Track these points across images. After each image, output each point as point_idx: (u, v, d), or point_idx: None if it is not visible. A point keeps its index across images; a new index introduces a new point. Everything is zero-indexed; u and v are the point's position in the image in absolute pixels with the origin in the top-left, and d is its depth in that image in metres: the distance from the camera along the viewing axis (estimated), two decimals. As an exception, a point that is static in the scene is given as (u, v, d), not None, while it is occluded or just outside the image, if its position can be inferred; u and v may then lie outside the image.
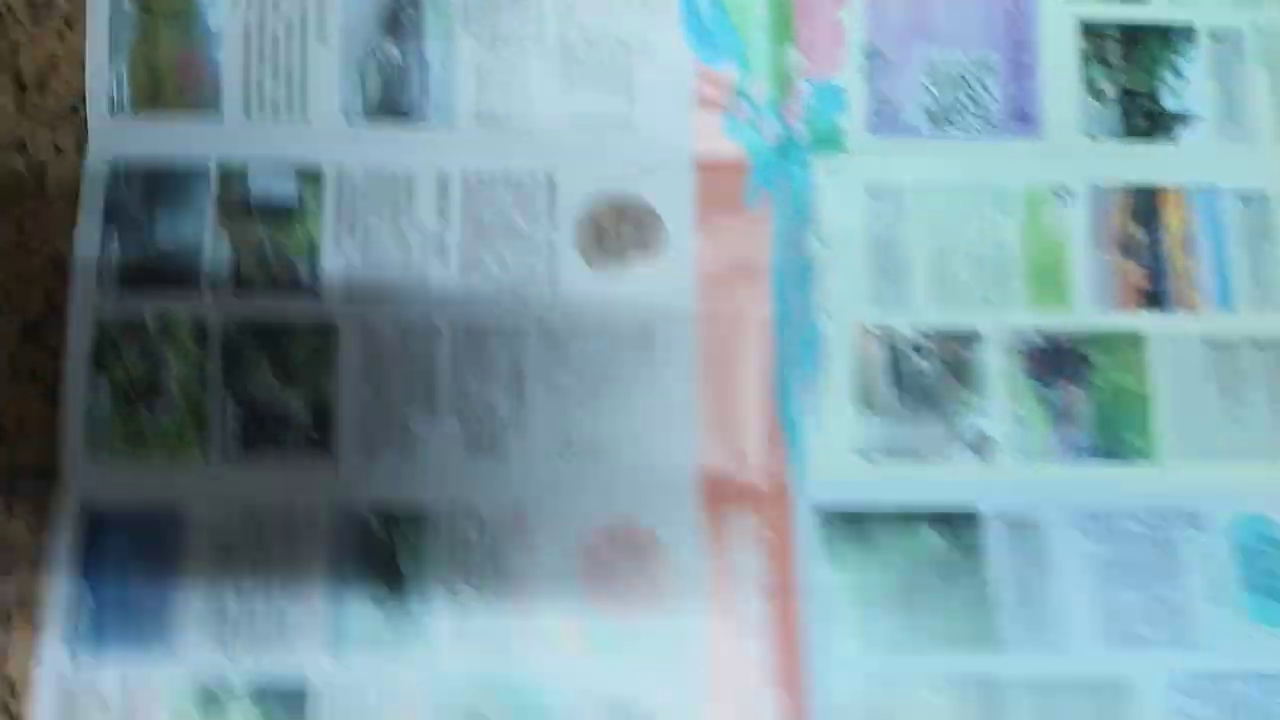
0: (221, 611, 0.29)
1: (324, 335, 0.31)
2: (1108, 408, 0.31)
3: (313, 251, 0.31)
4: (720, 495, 0.30)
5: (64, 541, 0.29)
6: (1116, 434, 0.31)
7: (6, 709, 0.28)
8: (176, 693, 0.28)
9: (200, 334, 0.30)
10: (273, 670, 0.28)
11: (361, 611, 0.29)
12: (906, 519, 0.30)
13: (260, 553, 0.29)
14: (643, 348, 0.31)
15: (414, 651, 0.29)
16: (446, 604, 0.29)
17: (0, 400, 0.30)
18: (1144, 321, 0.32)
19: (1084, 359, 0.32)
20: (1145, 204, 0.33)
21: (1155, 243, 0.33)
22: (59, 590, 0.29)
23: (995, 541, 0.30)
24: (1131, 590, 0.30)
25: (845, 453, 0.31)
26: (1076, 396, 0.31)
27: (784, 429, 0.31)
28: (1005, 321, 0.32)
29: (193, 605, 0.29)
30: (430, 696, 0.28)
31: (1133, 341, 0.32)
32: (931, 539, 0.30)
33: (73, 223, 0.31)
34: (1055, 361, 0.32)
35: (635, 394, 0.31)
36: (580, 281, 0.31)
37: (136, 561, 0.29)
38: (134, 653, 0.28)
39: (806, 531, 0.30)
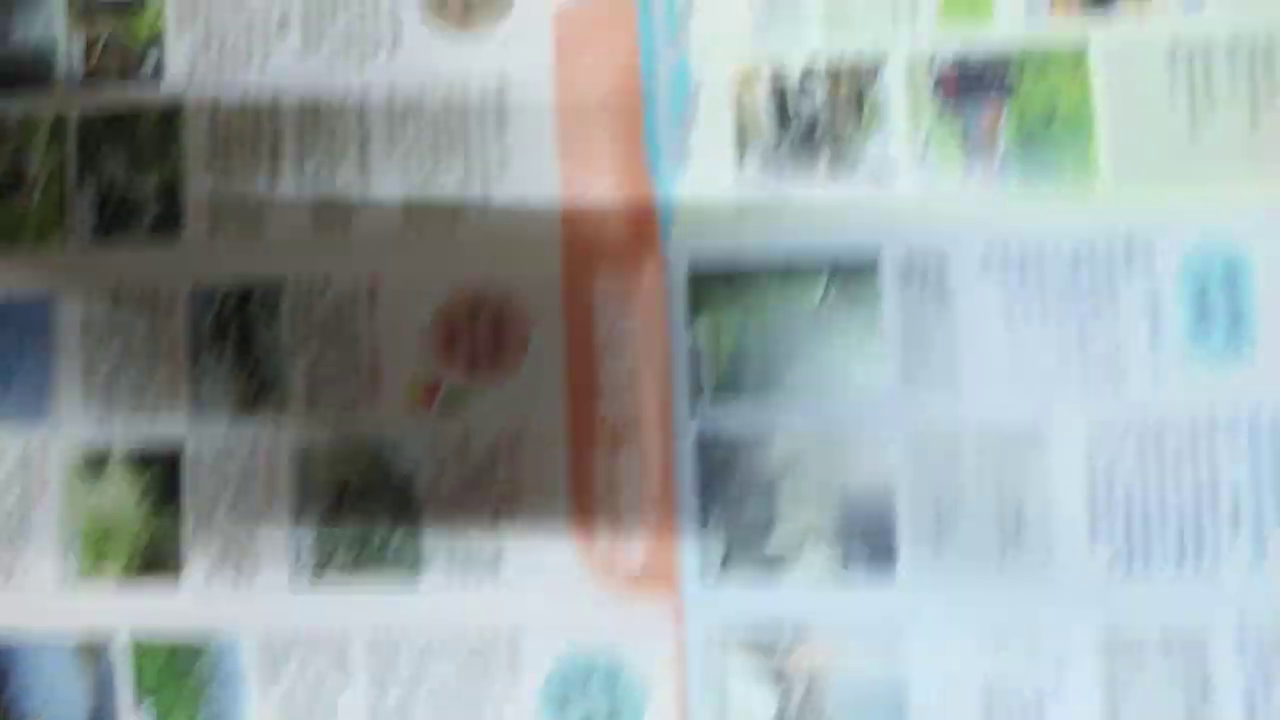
0: (97, 387, 0.29)
1: (170, 119, 0.30)
2: (1037, 128, 0.27)
3: (157, 40, 0.30)
4: (585, 258, 0.28)
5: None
6: (1048, 158, 0.27)
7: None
8: (62, 457, 0.29)
9: (59, 129, 0.30)
10: (146, 436, 0.29)
11: (220, 382, 0.29)
12: (788, 272, 0.27)
13: (126, 332, 0.29)
14: (495, 111, 0.29)
15: (271, 417, 0.28)
16: (301, 373, 0.28)
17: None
18: (1085, 31, 0.27)
19: (1008, 77, 0.27)
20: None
21: (1100, -68, 0.27)
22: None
23: (890, 287, 0.26)
24: (1052, 334, 0.26)
25: (721, 207, 0.28)
26: (998, 118, 0.27)
27: (654, 185, 0.28)
28: (913, 42, 0.27)
29: (67, 382, 0.29)
30: (290, 459, 0.28)
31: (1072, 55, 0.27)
32: (816, 290, 0.27)
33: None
34: (973, 82, 0.27)
35: (489, 162, 0.28)
36: (426, 46, 0.29)
37: (10, 345, 0.30)
38: (20, 426, 0.29)
39: (677, 291, 0.27)
